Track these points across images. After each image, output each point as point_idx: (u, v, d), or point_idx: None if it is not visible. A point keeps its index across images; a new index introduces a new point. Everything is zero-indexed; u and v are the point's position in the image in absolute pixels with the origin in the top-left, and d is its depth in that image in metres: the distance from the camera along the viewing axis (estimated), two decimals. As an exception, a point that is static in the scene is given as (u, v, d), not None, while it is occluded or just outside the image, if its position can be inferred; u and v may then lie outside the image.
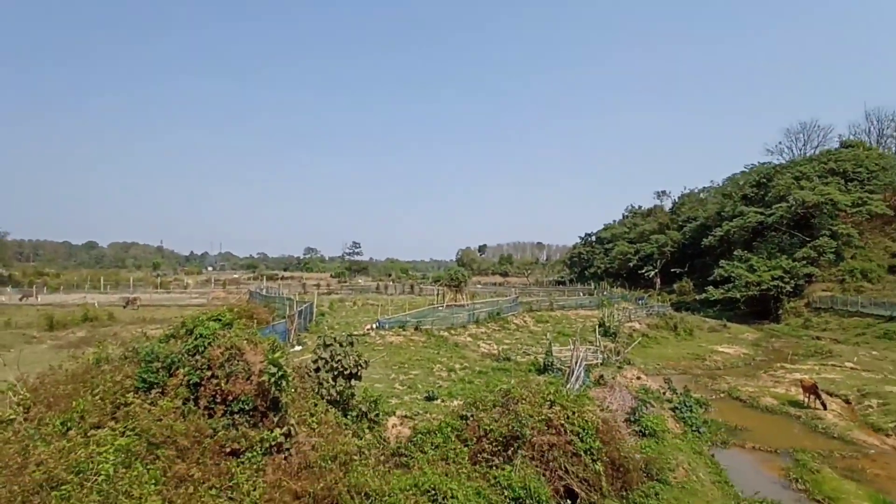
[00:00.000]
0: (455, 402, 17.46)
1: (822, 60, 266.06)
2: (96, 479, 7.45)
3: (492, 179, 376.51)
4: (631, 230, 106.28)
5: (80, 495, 7.18)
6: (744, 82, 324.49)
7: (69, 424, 9.13)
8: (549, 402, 13.89)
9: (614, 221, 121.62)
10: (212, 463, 9.37)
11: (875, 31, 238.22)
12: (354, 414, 14.20)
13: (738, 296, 60.72)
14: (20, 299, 51.90)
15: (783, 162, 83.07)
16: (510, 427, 12.83)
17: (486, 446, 12.78)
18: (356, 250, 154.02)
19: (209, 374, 10.87)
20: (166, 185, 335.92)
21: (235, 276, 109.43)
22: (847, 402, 24.39)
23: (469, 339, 33.03)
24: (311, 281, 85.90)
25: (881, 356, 35.70)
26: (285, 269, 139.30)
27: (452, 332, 33.76)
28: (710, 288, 64.87)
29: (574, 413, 13.60)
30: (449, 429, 13.58)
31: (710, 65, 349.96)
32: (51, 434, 8.83)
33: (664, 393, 22.30)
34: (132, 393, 10.00)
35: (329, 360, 14.36)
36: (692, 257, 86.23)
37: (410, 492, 10.55)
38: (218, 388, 10.77)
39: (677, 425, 19.24)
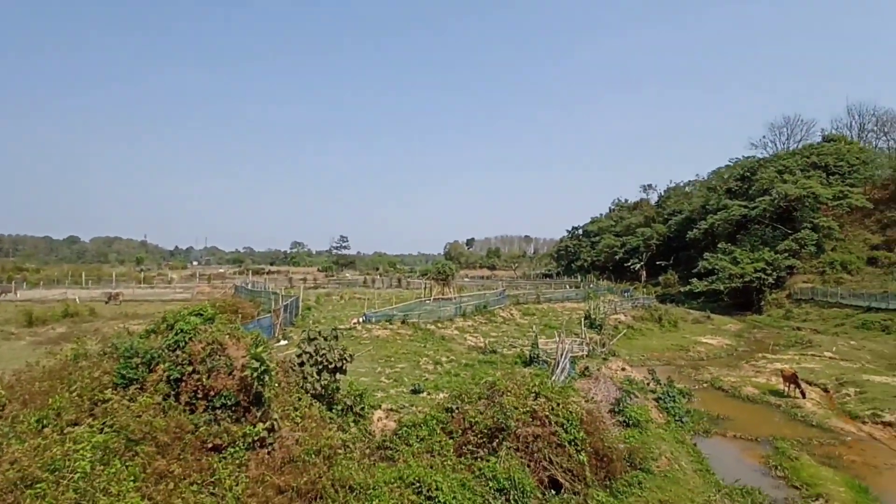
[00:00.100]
0: (441, 395, 17.49)
1: (806, 55, 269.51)
2: (72, 477, 7.33)
3: (480, 173, 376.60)
4: (617, 223, 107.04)
5: (55, 493, 7.06)
6: (729, 76, 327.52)
7: (45, 422, 8.98)
8: (534, 394, 13.96)
9: (601, 215, 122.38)
10: (193, 459, 9.28)
11: (858, 26, 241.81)
12: (339, 408, 14.16)
13: (721, 288, 61.53)
14: (-2, 295, 50.81)
15: (767, 156, 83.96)
16: (495, 419, 12.87)
17: (472, 438, 12.82)
18: (343, 244, 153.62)
19: (190, 369, 10.75)
20: (150, 179, 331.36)
21: (221, 270, 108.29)
22: (826, 390, 24.89)
23: (456, 332, 33.08)
24: (297, 275, 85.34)
25: (859, 346, 36.46)
26: (272, 264, 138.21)
27: (439, 325, 33.78)
28: (695, 280, 65.63)
29: (559, 404, 13.69)
30: (434, 421, 13.60)
31: (695, 58, 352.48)
32: (26, 432, 8.67)
33: (648, 384, 22.57)
34: (110, 389, 9.86)
35: (314, 354, 14.28)
36: (677, 250, 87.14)
37: (395, 485, 10.55)
38: (199, 383, 10.66)
39: (661, 415, 19.48)
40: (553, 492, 12.11)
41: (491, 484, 11.44)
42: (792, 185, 63.15)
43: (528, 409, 13.26)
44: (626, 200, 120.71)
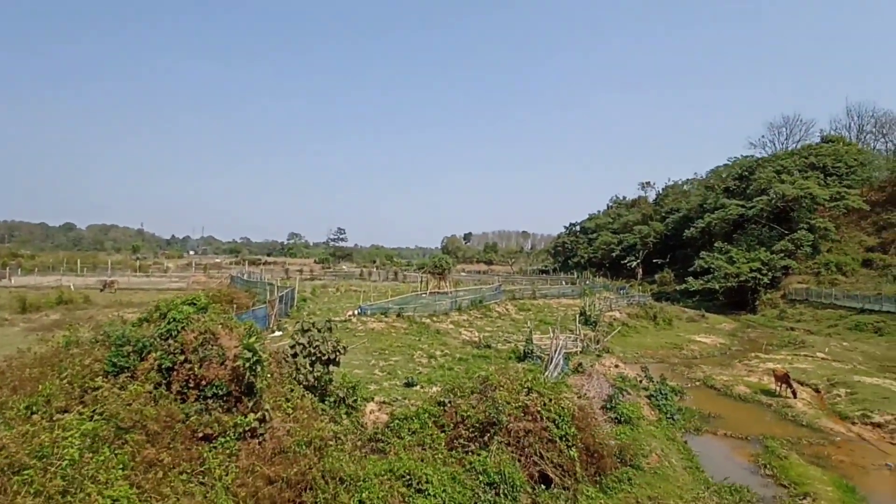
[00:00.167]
0: (434, 389, 17.49)
1: (807, 54, 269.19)
2: (60, 464, 7.30)
3: (479, 168, 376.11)
4: (615, 221, 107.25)
5: (42, 480, 7.04)
6: (730, 75, 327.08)
7: (34, 409, 8.95)
8: (526, 389, 13.98)
9: (599, 212, 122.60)
10: (183, 448, 9.28)
11: (860, 27, 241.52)
12: (332, 399, 14.15)
13: (717, 287, 61.76)
14: (-7, 281, 50.61)
15: (765, 155, 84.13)
16: (487, 413, 12.89)
17: (463, 432, 12.83)
18: (341, 236, 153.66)
19: (182, 358, 10.74)
20: (148, 168, 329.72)
21: (217, 260, 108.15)
22: (817, 391, 25.03)
23: (451, 326, 33.11)
24: (294, 266, 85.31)
25: (851, 347, 36.67)
26: (269, 255, 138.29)
27: (434, 319, 33.79)
28: (691, 279, 65.87)
29: (551, 400, 13.72)
30: (426, 415, 13.61)
31: (697, 57, 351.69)
32: (14, 418, 8.64)
33: (641, 381, 22.62)
34: (101, 377, 9.83)
35: (307, 345, 14.26)
36: (674, 248, 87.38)
37: (385, 477, 10.57)
38: (191, 372, 10.65)
39: (652, 412, 19.56)
40: (543, 487, 12.15)
41: (481, 478, 11.47)
42: (789, 186, 63.27)
43: (520, 404, 13.29)
44: (625, 198, 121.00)
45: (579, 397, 17.18)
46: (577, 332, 30.66)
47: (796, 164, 69.40)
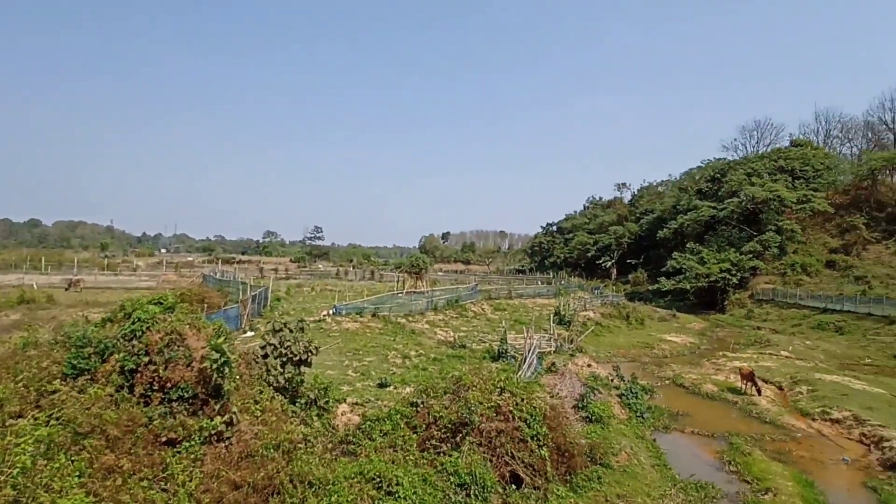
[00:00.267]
0: (408, 389, 17.45)
1: (779, 60, 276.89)
2: (11, 472, 7.03)
3: (457, 167, 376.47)
4: (591, 221, 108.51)
5: (-8, 489, 6.77)
6: (705, 79, 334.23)
7: (-15, 414, 8.60)
8: (499, 389, 14.03)
9: (575, 212, 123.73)
10: (145, 453, 9.04)
11: (828, 36, 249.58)
12: (303, 401, 13.99)
13: (688, 287, 63.17)
14: (-50, 279, 48.56)
15: (737, 158, 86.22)
16: (459, 414, 12.90)
17: (435, 433, 12.82)
18: (318, 235, 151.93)
19: (146, 360, 10.46)
20: (119, 163, 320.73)
21: (190, 258, 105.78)
22: (780, 388, 25.78)
23: (426, 326, 33.07)
24: (269, 265, 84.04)
25: (813, 346, 37.91)
26: (243, 253, 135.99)
27: (410, 318, 33.71)
28: (663, 279, 67.20)
29: (523, 400, 13.78)
30: (398, 416, 13.56)
31: (672, 60, 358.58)
32: (-37, 424, 8.30)
33: (612, 380, 22.98)
34: (59, 380, 9.51)
35: (278, 345, 14.07)
36: (648, 249, 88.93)
37: (355, 480, 10.48)
38: (156, 374, 10.39)
39: (623, 411, 19.87)
40: (514, 487, 12.20)
41: (452, 479, 11.46)
42: (759, 188, 65.09)
43: (492, 404, 13.32)
44: (601, 198, 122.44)
45: (552, 397, 17.33)
46: (552, 332, 30.94)
47: (766, 167, 71.34)
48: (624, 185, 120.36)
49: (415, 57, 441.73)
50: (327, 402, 14.57)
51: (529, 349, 22.57)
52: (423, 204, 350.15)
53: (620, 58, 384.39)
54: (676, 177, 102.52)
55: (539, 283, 71.61)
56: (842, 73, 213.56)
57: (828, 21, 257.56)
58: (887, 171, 69.32)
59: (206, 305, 27.59)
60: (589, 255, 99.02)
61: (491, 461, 12.34)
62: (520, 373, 19.01)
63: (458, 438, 12.61)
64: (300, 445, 10.97)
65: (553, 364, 22.39)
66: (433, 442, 12.65)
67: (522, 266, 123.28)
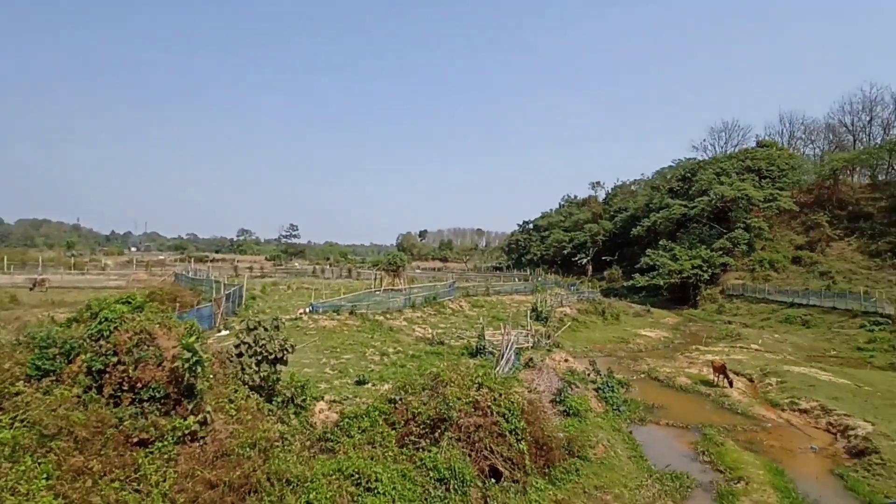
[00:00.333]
0: (386, 386, 17.35)
1: (745, 64, 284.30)
2: (-27, 476, 6.74)
3: (434, 165, 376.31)
4: (566, 219, 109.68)
5: (-49, 494, 6.48)
6: (677, 80, 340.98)
7: (-56, 417, 8.22)
8: (477, 385, 14.05)
9: (551, 210, 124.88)
10: (115, 454, 8.77)
11: (793, 40, 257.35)
12: (280, 400, 13.79)
13: (661, 283, 64.53)
14: None
15: (706, 158, 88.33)
16: (438, 410, 12.87)
17: (414, 429, 12.78)
18: (294, 233, 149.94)
19: (115, 360, 10.14)
20: (85, 160, 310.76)
21: (161, 257, 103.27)
22: (751, 380, 26.49)
23: (404, 323, 32.97)
24: (244, 263, 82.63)
25: (782, 339, 39.09)
26: (217, 252, 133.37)
27: (388, 316, 33.56)
28: (637, 275, 68.51)
29: (501, 395, 13.83)
30: (377, 412, 13.47)
31: (647, 57, 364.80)
32: (-80, 429, 7.91)
33: (589, 374, 23.26)
34: (23, 381, 9.14)
35: (252, 344, 13.84)
36: (622, 246, 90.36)
37: (334, 477, 10.38)
38: (125, 375, 10.07)
39: (600, 405, 20.12)
40: (493, 480, 12.24)
41: (432, 474, 11.44)
42: (728, 187, 66.82)
43: (470, 399, 13.34)
44: (576, 197, 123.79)
45: (529, 391, 17.47)
46: (529, 328, 31.17)
47: (734, 167, 73.22)
48: (598, 183, 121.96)
49: (391, 53, 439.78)
50: (304, 400, 14.39)
51: (507, 345, 22.70)
52: (400, 202, 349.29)
53: (594, 58, 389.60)
54: (649, 176, 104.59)
55: (516, 280, 72.12)
56: (805, 77, 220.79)
57: (792, 26, 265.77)
58: (848, 171, 72.00)
59: (178, 304, 26.99)
60: (565, 252, 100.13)
61: (470, 456, 12.35)
62: (497, 368, 19.10)
63: (436, 434, 12.59)
64: (277, 443, 10.81)
65: (531, 359, 22.56)
66: (412, 438, 12.60)
67: (500, 263, 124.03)
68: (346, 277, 67.73)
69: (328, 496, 9.61)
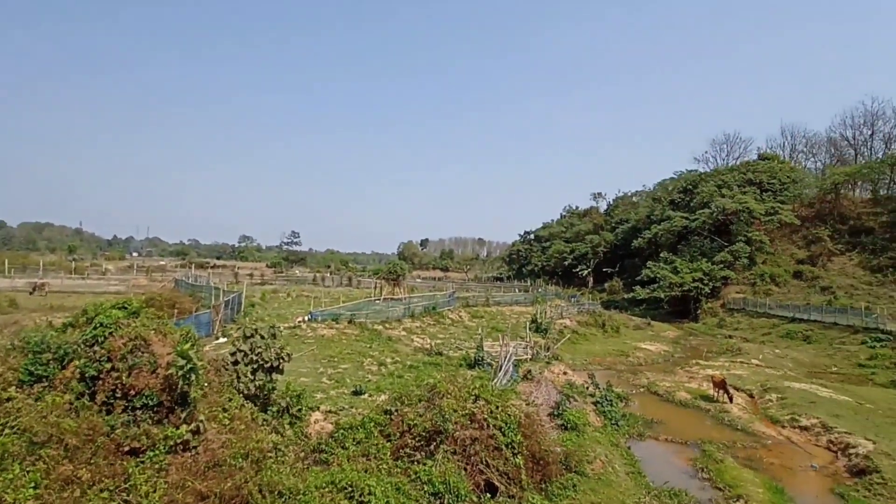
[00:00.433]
0: (383, 397, 17.24)
1: (747, 76, 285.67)
2: (-41, 484, 6.64)
3: (438, 174, 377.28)
4: (567, 230, 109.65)
5: (-63, 503, 6.38)
6: (680, 91, 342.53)
7: (-67, 423, 8.13)
8: (473, 397, 13.92)
9: (552, 221, 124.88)
10: (105, 463, 8.65)
11: (794, 54, 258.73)
12: (275, 409, 13.67)
13: (662, 296, 64.31)
14: None
15: (708, 170, 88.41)
16: (434, 422, 12.73)
17: (409, 441, 12.63)
18: (295, 240, 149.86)
19: (109, 366, 10.05)
20: (89, 164, 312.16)
21: (162, 262, 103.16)
22: (751, 396, 26.28)
23: (403, 332, 32.83)
24: (244, 270, 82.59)
25: (783, 354, 38.83)
26: (218, 258, 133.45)
27: (387, 325, 33.43)
28: (638, 287, 68.32)
29: (498, 408, 13.69)
30: (372, 424, 13.33)
31: (651, 69, 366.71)
32: None
33: (588, 388, 23.08)
34: (15, 387, 9.06)
35: (248, 352, 13.74)
36: (623, 258, 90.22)
37: (327, 489, 10.22)
38: (119, 381, 9.98)
39: (598, 419, 19.94)
40: (489, 495, 12.07)
41: (426, 488, 11.28)
42: (729, 200, 66.82)
43: (467, 411, 13.20)
44: (577, 208, 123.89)
45: (527, 404, 17.31)
46: (528, 340, 31.01)
47: (735, 180, 73.24)
48: (600, 194, 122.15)
49: (394, 61, 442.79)
50: (300, 410, 14.27)
51: (505, 357, 22.56)
52: (402, 210, 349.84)
53: (597, 68, 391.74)
54: (650, 187, 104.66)
55: (516, 290, 71.97)
56: (807, 90, 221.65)
57: (793, 39, 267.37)
58: (849, 186, 71.91)
59: (176, 311, 26.93)
60: (566, 263, 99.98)
61: (465, 469, 12.20)
62: (495, 380, 18.97)
63: (432, 447, 12.45)
64: (270, 454, 10.68)
65: (529, 372, 22.42)
66: (407, 450, 12.46)
67: (500, 274, 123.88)
68: (346, 286, 67.64)
69: (320, 509, 9.47)
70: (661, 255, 70.71)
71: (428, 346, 29.93)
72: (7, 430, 8.12)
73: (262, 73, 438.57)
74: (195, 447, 9.89)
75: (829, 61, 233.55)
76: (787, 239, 68.23)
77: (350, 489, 10.35)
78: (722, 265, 63.78)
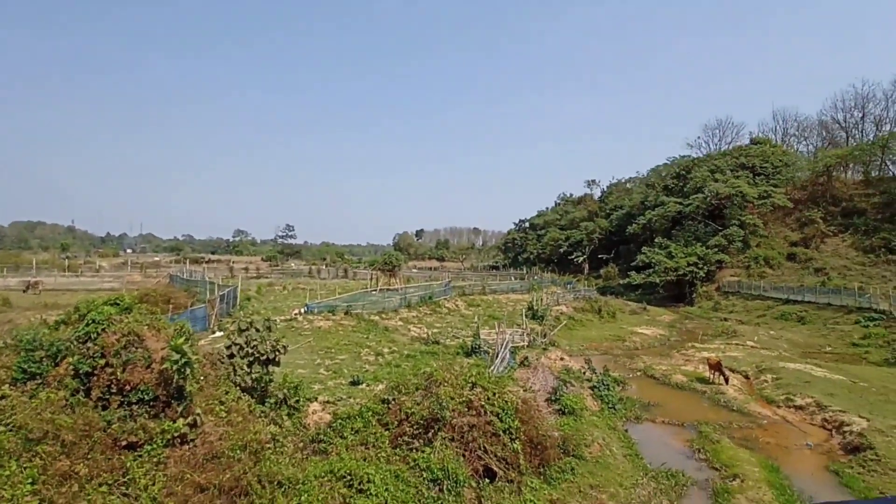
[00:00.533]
0: (380, 387, 17.26)
1: (739, 61, 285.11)
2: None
3: (431, 164, 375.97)
4: (562, 217, 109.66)
5: (-68, 501, 6.35)
6: (671, 77, 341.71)
7: (-74, 422, 8.08)
8: (470, 384, 13.97)
9: (547, 208, 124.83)
10: (103, 458, 8.65)
11: (786, 39, 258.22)
12: (272, 401, 13.68)
13: (657, 280, 64.53)
14: None
15: (701, 155, 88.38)
16: (431, 409, 12.79)
17: (407, 429, 12.70)
18: (290, 234, 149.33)
19: (103, 362, 10.01)
20: (80, 161, 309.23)
21: (157, 258, 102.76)
22: (746, 377, 26.50)
23: (400, 323, 32.86)
24: (240, 264, 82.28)
25: (777, 335, 39.14)
26: (213, 253, 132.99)
27: (384, 316, 33.44)
28: (633, 273, 68.53)
29: (495, 394, 13.75)
30: (370, 413, 13.40)
31: (644, 55, 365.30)
32: None
33: (585, 373, 23.17)
34: (8, 385, 9.01)
35: (244, 345, 13.72)
36: (618, 244, 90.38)
37: (325, 478, 10.28)
38: (113, 377, 9.95)
39: (595, 403, 20.07)
40: (487, 480, 12.16)
41: (425, 475, 11.36)
42: (722, 184, 66.96)
43: (464, 399, 13.25)
44: (571, 195, 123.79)
45: (524, 390, 17.38)
46: (525, 327, 31.11)
47: (728, 164, 73.31)
48: (594, 181, 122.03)
49: (386, 52, 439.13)
50: (298, 402, 14.28)
51: (502, 344, 22.63)
52: (397, 202, 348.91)
53: (589, 55, 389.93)
54: (644, 174, 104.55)
55: (512, 278, 72.08)
56: (798, 74, 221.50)
57: (785, 23, 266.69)
58: (841, 168, 72.05)
59: (171, 306, 26.87)
60: (561, 250, 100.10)
61: (464, 456, 12.27)
62: (492, 367, 19.03)
63: (430, 434, 12.51)
64: (268, 445, 10.71)
65: (526, 358, 22.47)
66: (405, 438, 12.52)
67: (496, 262, 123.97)
68: (342, 277, 67.53)
69: (320, 498, 9.52)
70: (656, 240, 70.87)
71: (425, 335, 29.98)
72: (2, 428, 8.08)
73: (255, 68, 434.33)
74: (193, 440, 9.90)
75: (819, 45, 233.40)
76: (780, 222, 68.48)
77: (349, 477, 10.41)
78: (716, 249, 64.03)
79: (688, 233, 68.72)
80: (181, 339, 10.23)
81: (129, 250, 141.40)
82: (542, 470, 13.39)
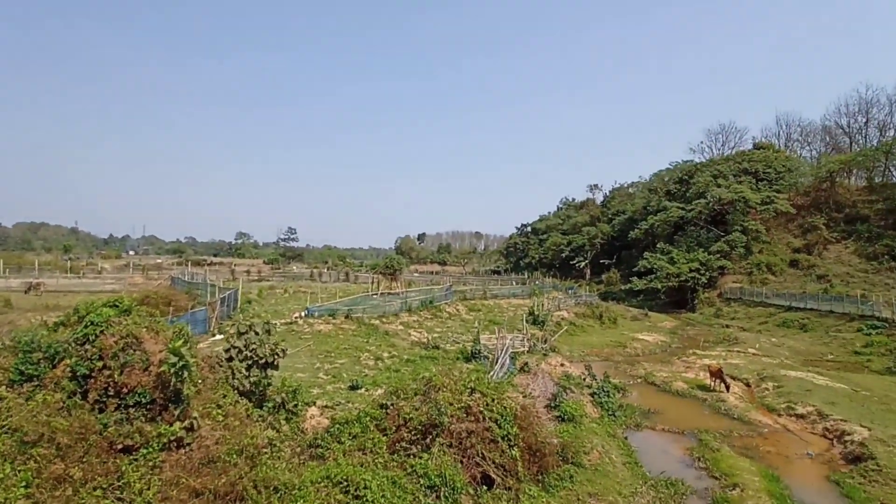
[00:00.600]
0: (379, 391, 17.20)
1: (741, 66, 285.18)
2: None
3: (434, 168, 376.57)
4: (564, 222, 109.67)
5: (-75, 504, 6.34)
6: (675, 83, 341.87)
7: (-79, 425, 8.07)
8: (469, 390, 13.91)
9: (549, 213, 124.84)
10: (98, 461, 8.62)
11: (789, 45, 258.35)
12: (271, 405, 13.63)
13: (659, 286, 64.39)
14: None
15: (703, 160, 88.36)
16: (429, 415, 12.73)
17: (405, 435, 12.64)
18: (292, 237, 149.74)
19: (101, 364, 9.99)
20: (84, 163, 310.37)
21: (159, 260, 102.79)
22: (748, 385, 26.35)
23: (400, 327, 32.79)
24: (241, 267, 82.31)
25: (779, 343, 38.97)
26: (215, 255, 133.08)
27: (384, 320, 33.38)
28: (635, 278, 68.40)
29: (494, 400, 13.70)
30: (368, 418, 13.34)
31: (647, 60, 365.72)
32: None
33: (585, 379, 23.09)
34: (5, 386, 9.00)
35: (243, 348, 13.68)
36: (620, 249, 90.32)
37: (322, 484, 10.23)
38: (111, 379, 9.93)
39: (595, 410, 19.97)
40: (485, 488, 12.09)
41: (422, 481, 11.30)
42: (725, 190, 66.87)
43: (462, 404, 13.20)
44: (574, 200, 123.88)
45: (524, 396, 17.33)
46: (525, 332, 31.02)
47: (731, 169, 73.23)
48: (596, 186, 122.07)
49: (389, 58, 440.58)
50: (296, 406, 14.22)
51: (502, 349, 22.56)
52: (399, 205, 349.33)
53: (592, 61, 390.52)
54: (646, 178, 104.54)
55: (514, 283, 71.92)
56: (801, 79, 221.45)
57: (789, 28, 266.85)
58: (844, 174, 71.89)
59: (172, 308, 26.84)
60: (563, 255, 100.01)
61: (461, 462, 12.21)
62: (492, 373, 18.96)
63: (428, 440, 12.45)
64: (265, 450, 10.67)
65: (526, 364, 22.40)
66: (403, 444, 12.47)
67: (498, 267, 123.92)
68: (343, 281, 67.49)
69: (316, 504, 9.46)
70: (658, 245, 70.80)
71: (425, 340, 29.92)
72: (-3, 430, 8.07)
73: (258, 72, 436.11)
74: (189, 444, 9.86)
75: (823, 50, 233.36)
76: (782, 228, 68.30)
77: (346, 483, 10.36)
78: (718, 255, 63.89)
79: (690, 238, 68.58)
80: (179, 342, 10.21)
81: (131, 252, 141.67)
82: (540, 477, 13.31)
